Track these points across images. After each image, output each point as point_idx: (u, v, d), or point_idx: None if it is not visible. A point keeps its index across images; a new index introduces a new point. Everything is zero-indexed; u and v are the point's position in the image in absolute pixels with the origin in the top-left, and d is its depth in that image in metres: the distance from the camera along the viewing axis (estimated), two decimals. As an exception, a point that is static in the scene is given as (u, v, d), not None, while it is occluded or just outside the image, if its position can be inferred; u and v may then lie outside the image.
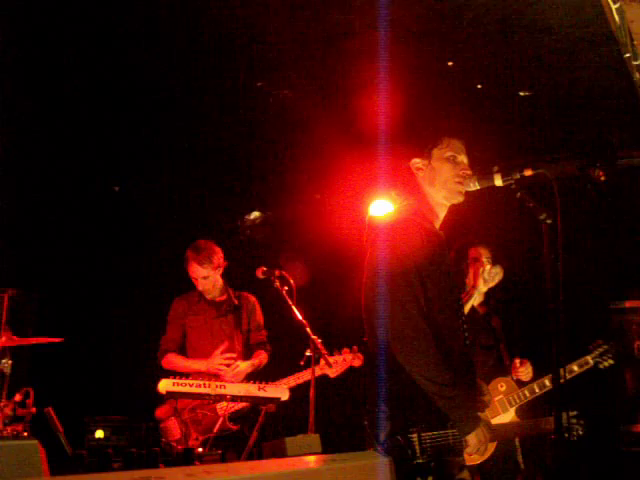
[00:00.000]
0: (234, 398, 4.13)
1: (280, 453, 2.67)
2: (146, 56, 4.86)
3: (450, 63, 5.01)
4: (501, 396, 4.53)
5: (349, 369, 4.75)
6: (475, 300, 4.44)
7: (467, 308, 4.25)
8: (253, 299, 5.20)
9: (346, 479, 1.45)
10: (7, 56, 4.70)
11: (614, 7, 3.85)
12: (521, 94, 5.32)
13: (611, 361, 4.69)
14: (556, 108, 5.42)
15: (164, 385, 4.04)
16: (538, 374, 4.65)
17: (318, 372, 4.52)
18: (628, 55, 4.33)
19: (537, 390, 4.54)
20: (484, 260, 4.58)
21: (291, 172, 5.91)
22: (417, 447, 2.71)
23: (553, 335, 2.73)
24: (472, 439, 2.83)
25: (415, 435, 2.73)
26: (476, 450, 2.87)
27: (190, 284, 5.10)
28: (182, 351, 5.02)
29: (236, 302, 5.11)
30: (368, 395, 2.94)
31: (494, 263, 4.53)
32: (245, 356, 4.98)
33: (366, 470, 1.47)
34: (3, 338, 4.59)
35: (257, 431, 4.23)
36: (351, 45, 4.77)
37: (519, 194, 2.94)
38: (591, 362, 4.66)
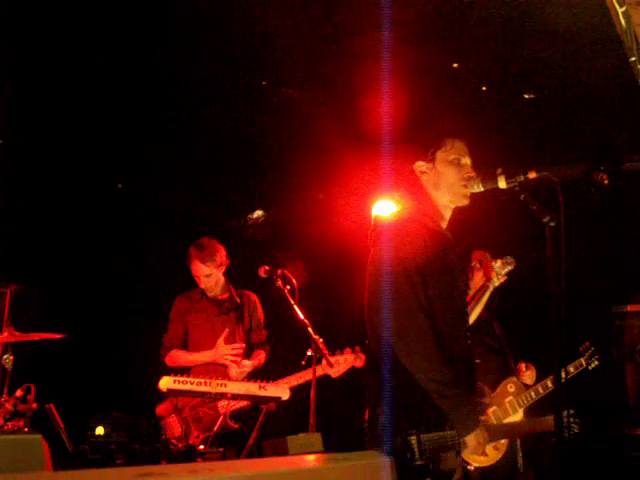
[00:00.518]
0: (235, 396, 4.13)
1: (282, 451, 2.67)
2: (151, 53, 4.86)
3: (455, 65, 5.01)
4: (511, 397, 4.60)
5: (351, 369, 4.74)
6: (480, 308, 4.44)
7: (481, 306, 4.25)
8: (255, 298, 5.21)
9: (348, 478, 1.45)
10: (11, 53, 4.70)
11: (620, 11, 3.85)
12: (526, 97, 5.32)
13: (597, 362, 4.88)
14: (560, 111, 5.42)
15: (165, 382, 4.04)
16: (541, 376, 4.71)
17: (320, 372, 4.52)
18: (634, 59, 4.32)
19: (541, 391, 4.65)
20: (489, 259, 4.61)
21: (294, 171, 5.92)
22: (416, 449, 2.71)
23: (554, 337, 2.73)
24: (471, 440, 2.82)
25: (414, 437, 2.72)
26: (475, 451, 2.87)
27: (192, 282, 5.10)
28: (184, 348, 5.03)
29: (238, 300, 5.11)
30: (368, 396, 2.94)
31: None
32: (247, 354, 4.99)
33: (368, 469, 1.47)
34: (5, 334, 4.59)
35: (257, 430, 4.24)
36: (356, 45, 4.77)
37: (523, 196, 2.94)
38: (584, 364, 4.86)
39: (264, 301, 5.22)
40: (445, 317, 2.93)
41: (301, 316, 4.43)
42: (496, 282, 4.39)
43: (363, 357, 4.76)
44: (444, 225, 3.14)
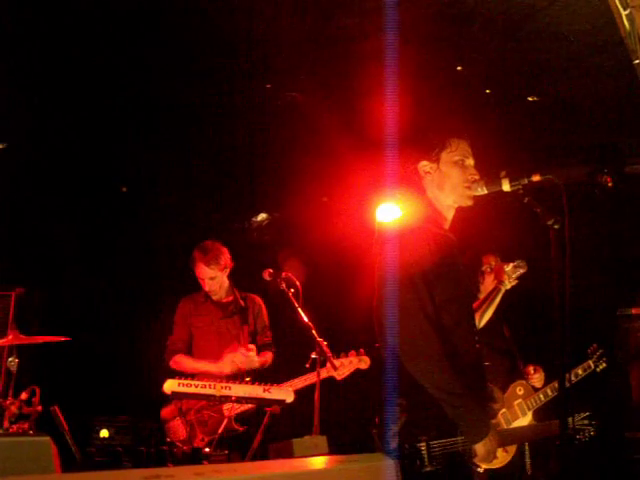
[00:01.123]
0: (239, 399, 4.13)
1: (287, 454, 2.67)
2: (154, 57, 4.88)
3: (459, 68, 5.01)
4: (520, 400, 4.62)
5: (355, 372, 4.74)
6: (492, 310, 4.43)
7: (493, 308, 4.25)
8: (259, 301, 5.21)
9: (353, 481, 1.46)
10: (15, 54, 4.71)
11: (624, 13, 3.85)
12: (530, 99, 5.32)
13: (604, 364, 4.93)
14: (564, 114, 5.41)
15: (169, 385, 4.05)
16: (549, 378, 4.73)
17: (324, 374, 4.52)
18: (637, 61, 4.32)
19: (550, 393, 4.69)
20: (500, 262, 4.64)
21: (298, 174, 5.92)
22: (425, 455, 2.69)
23: (559, 340, 2.72)
24: (480, 448, 2.80)
25: (424, 443, 2.71)
26: (484, 459, 2.86)
27: (196, 285, 5.11)
28: (189, 351, 5.02)
29: (242, 303, 5.11)
30: (377, 402, 2.93)
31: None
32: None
33: (373, 472, 1.47)
34: (10, 336, 4.60)
35: (261, 432, 4.24)
36: (360, 48, 4.77)
37: (527, 199, 2.94)
38: (592, 366, 4.92)
39: (268, 304, 5.22)
40: (454, 322, 2.92)
41: (305, 319, 4.43)
42: (507, 285, 4.39)
43: (367, 360, 4.76)
44: (447, 226, 3.14)
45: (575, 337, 2.73)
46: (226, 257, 5.08)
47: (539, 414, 4.67)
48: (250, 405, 4.51)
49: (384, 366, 2.89)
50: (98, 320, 5.75)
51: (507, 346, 4.88)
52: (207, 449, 3.85)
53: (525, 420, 4.59)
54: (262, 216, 6.63)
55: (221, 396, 4.07)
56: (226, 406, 4.55)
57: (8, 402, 4.38)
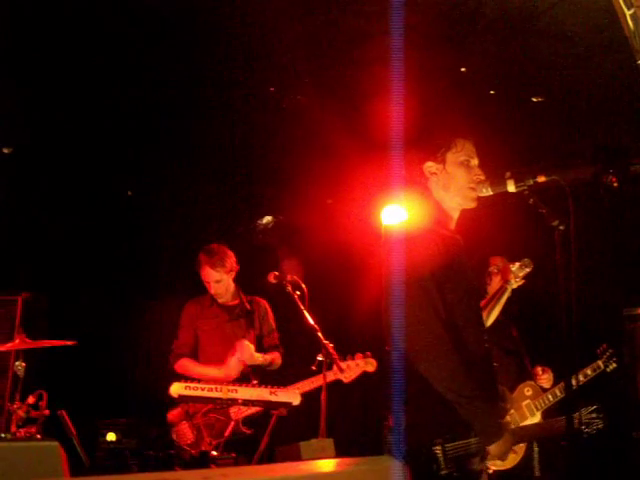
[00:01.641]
0: (246, 402, 4.13)
1: (295, 457, 2.67)
2: (158, 61, 4.89)
3: (463, 69, 5.01)
4: (528, 400, 4.62)
5: (363, 374, 4.74)
6: (499, 309, 4.43)
7: (499, 307, 4.25)
8: (265, 303, 5.20)
9: (360, 483, 1.46)
10: (22, 55, 4.73)
11: (628, 13, 3.85)
12: (534, 100, 5.32)
13: (615, 364, 4.89)
14: (569, 114, 5.41)
15: (176, 389, 4.04)
16: (558, 379, 4.73)
17: (331, 377, 4.52)
18: (642, 61, 4.32)
19: (559, 394, 4.68)
20: (506, 262, 4.63)
21: (303, 177, 5.92)
22: (441, 459, 2.69)
23: (565, 341, 2.72)
24: (494, 449, 2.79)
25: (439, 447, 2.70)
26: (499, 458, 2.85)
27: (202, 288, 5.11)
28: (194, 355, 5.02)
29: (248, 307, 5.11)
30: (389, 405, 2.92)
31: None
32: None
33: (380, 474, 1.47)
34: (17, 341, 4.62)
35: (268, 435, 4.23)
36: (364, 50, 4.78)
37: (532, 200, 2.93)
38: (602, 366, 4.88)
39: (274, 307, 5.22)
40: (463, 322, 2.91)
41: (311, 321, 4.43)
42: (514, 284, 4.38)
43: (374, 362, 4.75)
44: (452, 226, 3.13)
45: (582, 337, 2.72)
46: (232, 260, 5.08)
47: (548, 415, 4.66)
48: (257, 408, 4.51)
49: (393, 369, 2.88)
50: (105, 324, 5.76)
51: (515, 347, 4.89)
52: (214, 452, 3.84)
53: (534, 421, 4.59)
54: (267, 219, 6.63)
55: (228, 399, 4.06)
56: (233, 409, 4.55)
57: (15, 406, 4.39)
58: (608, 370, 4.88)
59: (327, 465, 1.61)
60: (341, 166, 5.71)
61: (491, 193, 3.07)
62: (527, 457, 4.54)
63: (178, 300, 5.25)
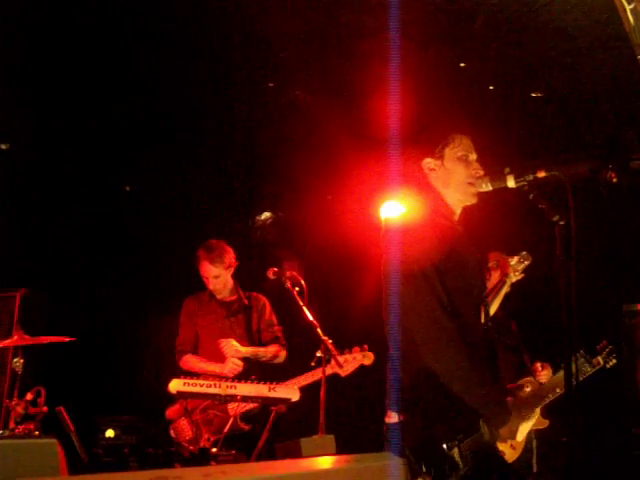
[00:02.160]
0: (245, 398, 4.13)
1: (295, 454, 2.67)
2: (157, 56, 4.87)
3: (462, 64, 5.00)
4: (528, 397, 4.60)
5: (361, 369, 4.74)
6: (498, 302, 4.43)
7: (499, 300, 4.24)
8: (263, 299, 5.20)
9: (361, 480, 1.45)
10: (20, 52, 4.71)
11: (628, 8, 3.83)
12: (533, 95, 5.31)
13: (615, 360, 4.91)
14: (568, 109, 5.40)
15: (175, 385, 4.05)
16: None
17: (329, 371, 4.52)
18: (641, 57, 4.30)
19: (558, 390, 4.62)
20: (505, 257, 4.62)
21: (302, 173, 5.91)
22: (459, 460, 2.68)
23: (565, 336, 2.72)
24: (504, 431, 2.82)
25: (455, 449, 2.69)
26: (508, 437, 2.87)
27: (201, 284, 5.11)
28: (195, 350, 5.03)
29: (246, 302, 5.11)
30: (388, 401, 2.90)
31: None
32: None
33: (381, 471, 1.47)
34: (15, 337, 4.61)
35: (267, 431, 4.24)
36: (363, 46, 4.77)
37: (532, 195, 2.92)
38: (602, 362, 4.87)
39: (273, 303, 5.21)
40: (465, 310, 2.91)
41: (310, 317, 4.43)
42: (513, 278, 4.37)
43: (371, 356, 4.76)
44: (455, 219, 3.12)
45: (581, 333, 2.72)
46: (230, 256, 5.08)
47: (549, 411, 4.66)
48: (255, 404, 4.51)
49: (392, 364, 2.88)
50: (103, 320, 5.75)
51: (515, 343, 4.88)
52: (214, 449, 3.85)
53: (532, 418, 4.59)
54: (266, 215, 6.63)
55: (226, 395, 4.07)
56: (231, 405, 4.55)
57: (14, 403, 4.39)
58: (608, 366, 4.88)
59: (327, 462, 1.61)
60: (340, 162, 5.70)
61: (490, 188, 3.06)
62: (526, 452, 4.54)
63: (177, 296, 5.25)
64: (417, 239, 2.88)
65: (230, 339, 4.86)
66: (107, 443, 4.51)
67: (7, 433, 4.23)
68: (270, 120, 5.64)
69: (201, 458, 3.10)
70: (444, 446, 2.69)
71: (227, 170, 6.10)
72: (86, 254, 5.89)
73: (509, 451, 4.37)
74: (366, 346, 4.74)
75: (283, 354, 5.06)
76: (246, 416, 4.66)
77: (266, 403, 4.27)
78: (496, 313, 4.41)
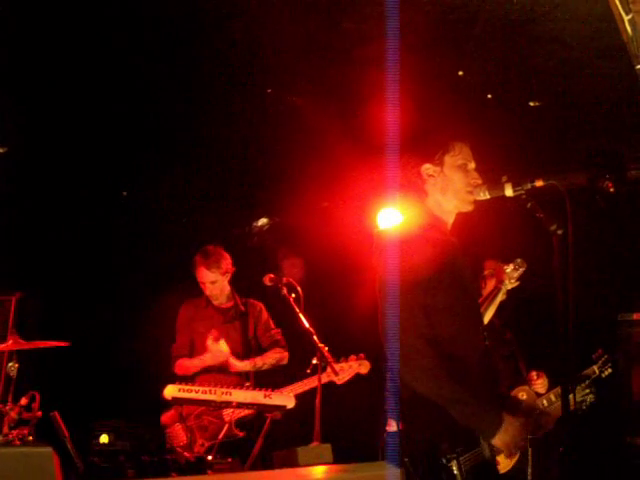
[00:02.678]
0: (240, 405, 4.12)
1: (292, 462, 2.66)
2: (155, 62, 4.87)
3: (460, 73, 5.01)
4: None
5: (357, 377, 4.74)
6: (493, 309, 4.42)
7: (493, 308, 4.24)
8: (259, 305, 5.21)
9: (358, 490, 1.44)
10: (18, 56, 4.71)
11: (626, 18, 3.84)
12: (531, 104, 5.31)
13: (610, 370, 4.89)
14: (566, 119, 5.41)
15: (170, 391, 4.04)
16: (552, 384, 4.72)
17: (325, 379, 4.52)
18: (639, 67, 4.32)
19: (553, 399, 4.65)
20: (500, 265, 4.62)
21: (300, 179, 5.91)
22: (458, 475, 2.67)
23: (562, 344, 2.71)
24: (497, 442, 2.78)
25: (454, 462, 2.68)
26: (509, 451, 2.83)
27: (198, 290, 5.10)
28: (192, 356, 5.02)
29: (242, 309, 5.11)
30: (387, 410, 2.90)
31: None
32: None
33: (378, 480, 1.47)
34: (10, 342, 4.59)
35: (262, 438, 4.23)
36: (362, 53, 4.77)
37: (529, 205, 2.92)
38: (597, 371, 4.84)
39: (269, 309, 5.21)
40: (459, 325, 2.90)
41: (306, 324, 4.43)
42: (508, 285, 4.37)
43: (368, 364, 4.77)
44: (447, 229, 3.12)
45: (577, 342, 2.72)
46: (227, 262, 5.09)
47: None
48: (250, 410, 4.50)
49: (387, 377, 2.87)
50: (98, 325, 5.73)
51: (510, 352, 4.88)
52: (210, 457, 3.84)
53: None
54: (263, 221, 6.63)
55: (222, 402, 4.06)
56: (226, 411, 4.55)
57: (8, 407, 4.36)
58: (603, 376, 4.87)
59: (324, 471, 1.60)
60: (337, 169, 5.70)
61: (488, 197, 3.06)
62: (521, 462, 4.53)
63: (174, 301, 5.25)
64: (408, 252, 2.87)
65: (221, 341, 4.83)
66: (101, 448, 4.50)
67: (0, 438, 4.21)
68: (268, 126, 5.64)
69: (198, 466, 3.09)
70: (443, 459, 2.68)
71: (224, 176, 6.10)
72: (82, 259, 5.88)
73: (504, 460, 4.36)
74: (362, 354, 4.74)
75: (286, 356, 5.07)
76: (241, 422, 4.65)
77: (261, 410, 4.26)
78: (492, 322, 4.41)
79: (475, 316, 3.07)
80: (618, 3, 3.77)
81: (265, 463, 4.32)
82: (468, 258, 3.15)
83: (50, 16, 4.40)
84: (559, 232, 2.80)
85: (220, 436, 4.32)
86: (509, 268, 4.37)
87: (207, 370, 4.90)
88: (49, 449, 1.61)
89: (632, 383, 5.59)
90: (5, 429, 4.28)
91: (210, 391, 4.06)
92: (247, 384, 4.67)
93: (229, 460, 3.51)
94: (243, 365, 4.86)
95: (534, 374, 4.79)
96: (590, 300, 5.09)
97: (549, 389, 4.76)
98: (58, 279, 5.80)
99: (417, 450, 2.72)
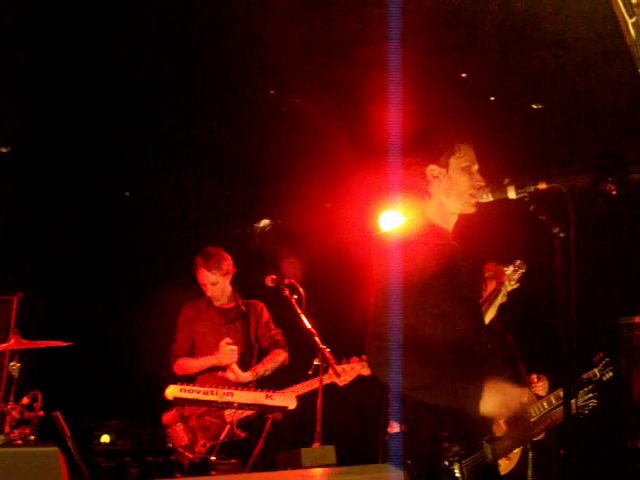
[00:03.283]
0: (241, 406, 4.12)
1: (295, 463, 2.66)
2: (158, 63, 4.88)
3: (464, 75, 5.01)
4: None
5: (359, 378, 4.73)
6: (493, 311, 4.42)
7: (494, 309, 4.23)
8: (260, 305, 5.21)
9: (361, 491, 1.44)
10: (21, 56, 4.72)
11: (630, 21, 3.84)
12: (534, 107, 5.31)
13: (612, 373, 4.85)
14: (569, 122, 5.41)
15: (171, 391, 4.04)
16: (553, 386, 4.71)
17: (327, 381, 4.52)
18: (643, 70, 4.32)
19: (554, 401, 4.62)
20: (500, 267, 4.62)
21: (302, 181, 5.91)
22: (459, 475, 2.67)
23: (563, 347, 2.71)
24: (486, 410, 2.76)
25: (457, 464, 2.68)
26: (503, 415, 2.82)
27: (199, 291, 5.10)
28: (192, 357, 5.02)
29: (244, 309, 5.11)
30: (389, 412, 2.90)
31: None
32: (249, 365, 4.98)
33: (381, 482, 1.47)
34: (12, 341, 4.60)
35: (263, 439, 4.23)
36: (365, 54, 4.77)
37: (532, 207, 2.92)
38: (598, 375, 4.81)
39: (271, 310, 5.21)
40: (456, 329, 2.90)
41: (308, 325, 4.43)
42: (508, 287, 4.37)
43: (370, 366, 4.75)
44: (449, 232, 3.11)
45: (578, 345, 2.72)
46: (228, 263, 5.09)
47: None
48: (252, 411, 4.50)
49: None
50: (100, 325, 5.74)
51: (511, 354, 4.87)
52: (213, 458, 3.84)
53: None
54: (265, 222, 6.63)
55: (223, 402, 4.06)
56: (228, 412, 4.55)
57: (9, 407, 4.37)
58: (604, 379, 4.86)
59: (326, 473, 1.60)
60: (340, 170, 5.70)
61: (491, 199, 3.06)
62: (521, 464, 4.52)
63: (175, 302, 5.25)
64: (405, 257, 2.87)
65: (232, 346, 4.84)
66: (102, 448, 4.50)
67: (2, 438, 4.21)
68: (270, 127, 5.65)
69: (202, 467, 3.09)
70: (446, 462, 2.69)
71: (226, 177, 6.11)
72: (84, 259, 5.89)
73: (504, 462, 4.35)
74: (364, 356, 4.73)
75: (286, 356, 5.07)
76: (242, 423, 4.65)
77: (263, 411, 4.25)
78: (493, 324, 4.41)
79: (475, 320, 3.07)
80: (622, 6, 3.77)
81: (266, 464, 4.33)
82: (468, 262, 3.15)
83: (50, 16, 4.41)
84: (562, 235, 2.79)
85: (221, 437, 4.32)
86: (509, 270, 4.37)
87: (208, 370, 4.90)
88: (55, 449, 1.61)
89: (633, 386, 5.59)
90: (7, 428, 4.29)
91: (212, 392, 4.06)
92: (249, 384, 4.69)
93: (232, 461, 3.51)
94: (245, 376, 4.85)
95: (535, 377, 4.80)
96: (592, 303, 5.08)
97: (549, 392, 4.76)
98: (60, 279, 5.81)
99: (420, 452, 2.72)
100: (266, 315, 5.18)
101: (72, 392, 5.15)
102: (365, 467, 1.49)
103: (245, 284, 5.29)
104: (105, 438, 4.58)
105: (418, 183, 3.10)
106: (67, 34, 4.54)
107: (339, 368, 4.52)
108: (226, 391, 4.08)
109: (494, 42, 4.61)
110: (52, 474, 1.49)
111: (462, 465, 2.69)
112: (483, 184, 3.07)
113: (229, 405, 4.10)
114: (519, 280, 4.36)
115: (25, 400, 4.39)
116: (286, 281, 4.61)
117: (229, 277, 5.10)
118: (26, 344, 4.60)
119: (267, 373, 4.94)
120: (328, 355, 4.36)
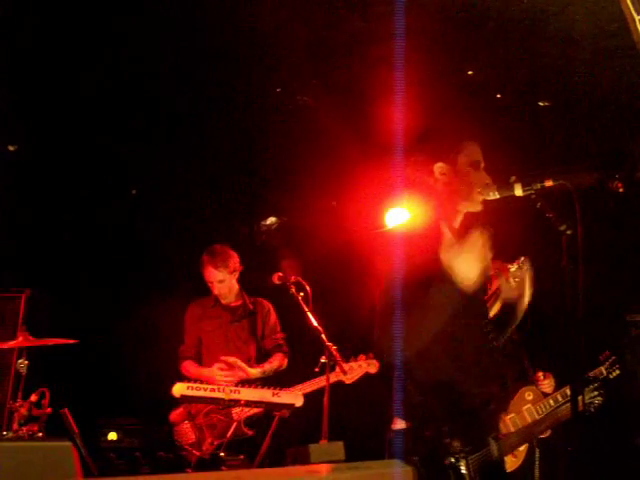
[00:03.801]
0: (248, 403, 4.13)
1: (303, 460, 2.66)
2: (163, 60, 4.89)
3: (470, 72, 5.00)
4: (529, 405, 4.58)
5: (365, 375, 4.74)
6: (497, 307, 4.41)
7: (499, 304, 4.23)
8: (268, 304, 5.21)
9: (370, 487, 1.45)
10: (27, 54, 4.73)
11: (637, 18, 3.82)
12: (541, 104, 5.31)
13: (618, 371, 4.81)
14: (575, 119, 5.40)
15: (178, 389, 4.05)
16: (559, 384, 4.70)
17: (333, 378, 4.52)
18: (650, 67, 4.31)
19: (560, 399, 4.60)
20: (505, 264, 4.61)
21: (308, 178, 5.92)
22: (465, 472, 2.68)
23: (571, 345, 2.71)
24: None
25: (463, 461, 2.69)
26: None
27: (206, 289, 5.11)
28: (199, 356, 5.02)
29: (251, 307, 5.12)
30: (394, 408, 2.90)
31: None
32: (258, 362, 4.99)
33: (389, 478, 1.47)
34: (20, 338, 4.61)
35: (270, 437, 4.23)
36: (371, 52, 4.78)
37: (539, 204, 2.91)
38: (605, 372, 4.78)
39: (277, 308, 5.22)
40: (463, 324, 2.91)
41: (315, 323, 4.43)
42: (512, 283, 4.35)
43: (377, 364, 4.76)
44: (455, 228, 3.11)
45: (585, 343, 2.72)
46: (235, 260, 5.09)
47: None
48: (259, 409, 4.51)
49: (398, 372, 2.88)
50: (108, 323, 5.75)
51: (517, 351, 4.86)
52: (222, 453, 3.85)
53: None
54: (271, 220, 6.63)
55: (230, 400, 4.06)
56: (235, 410, 4.56)
57: (18, 404, 4.39)
58: (611, 377, 4.84)
59: (335, 469, 1.61)
60: (346, 168, 5.71)
61: (498, 196, 3.05)
62: (527, 462, 4.52)
63: (181, 300, 5.26)
64: (412, 252, 2.86)
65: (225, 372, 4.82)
66: (110, 446, 4.52)
67: (11, 435, 4.23)
68: (276, 125, 5.65)
69: (212, 463, 3.10)
70: (452, 459, 2.69)
71: (232, 175, 6.11)
72: (91, 257, 5.90)
73: (510, 459, 4.35)
74: (371, 354, 4.74)
75: (285, 363, 5.07)
76: (250, 421, 4.65)
77: (270, 408, 4.26)
78: (502, 323, 4.40)
79: (481, 316, 3.07)
80: (629, 3, 3.76)
81: (273, 461, 4.33)
82: None
83: (51, 16, 4.42)
84: (568, 232, 2.79)
85: (229, 434, 4.33)
86: (513, 267, 4.36)
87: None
88: (69, 443, 1.62)
89: (639, 385, 5.57)
90: (15, 426, 4.31)
91: (219, 389, 4.07)
92: (256, 382, 4.69)
93: (241, 457, 3.52)
94: (254, 373, 4.86)
95: (541, 374, 4.79)
96: (598, 301, 5.07)
97: (555, 390, 4.75)
98: (68, 276, 5.82)
99: (426, 449, 2.72)
100: (273, 317, 5.17)
101: (80, 389, 5.17)
102: (373, 463, 1.50)
103: (251, 282, 5.29)
104: (112, 435, 4.61)
105: (425, 181, 3.10)
106: (71, 29, 4.56)
107: (346, 366, 4.53)
108: (233, 389, 4.09)
109: (500, 39, 4.61)
110: (66, 468, 1.50)
111: (469, 462, 2.70)
112: (489, 181, 3.07)
113: (236, 403, 4.10)
114: (530, 278, 4.36)
115: (33, 397, 4.40)
116: (292, 279, 4.61)
117: (236, 275, 5.10)
118: (34, 342, 4.61)
119: (268, 374, 4.95)
120: (335, 353, 4.36)
